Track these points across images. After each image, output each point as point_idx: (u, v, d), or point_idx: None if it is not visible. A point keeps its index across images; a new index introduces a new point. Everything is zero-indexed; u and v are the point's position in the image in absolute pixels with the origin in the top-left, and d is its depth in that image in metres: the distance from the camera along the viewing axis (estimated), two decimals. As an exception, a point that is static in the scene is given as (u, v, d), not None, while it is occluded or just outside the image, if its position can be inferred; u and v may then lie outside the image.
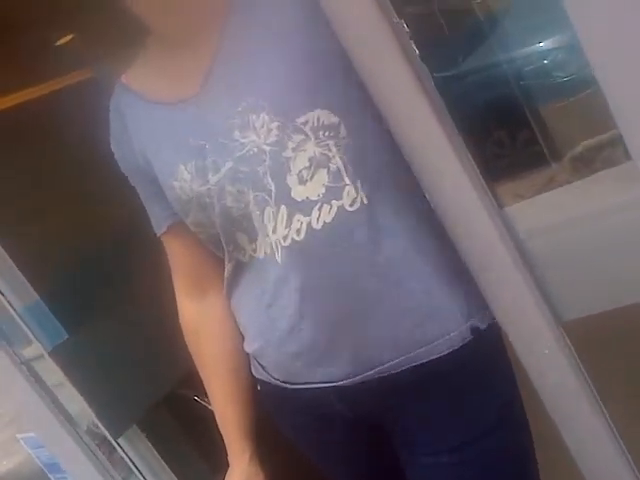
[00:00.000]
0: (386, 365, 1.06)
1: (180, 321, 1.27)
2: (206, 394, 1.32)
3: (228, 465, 1.29)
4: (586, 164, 1.23)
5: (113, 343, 1.84)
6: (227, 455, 1.29)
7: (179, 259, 1.22)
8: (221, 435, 1.30)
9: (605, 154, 1.15)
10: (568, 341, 1.00)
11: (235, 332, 1.21)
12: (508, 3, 3.84)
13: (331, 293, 1.02)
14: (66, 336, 1.75)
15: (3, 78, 2.00)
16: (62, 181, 1.97)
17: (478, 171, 0.93)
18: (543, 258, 0.96)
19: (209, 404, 1.94)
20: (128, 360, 1.86)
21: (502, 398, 1.11)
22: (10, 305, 1.66)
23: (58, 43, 2.64)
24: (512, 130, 4.12)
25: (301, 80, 0.97)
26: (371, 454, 1.23)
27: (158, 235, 1.20)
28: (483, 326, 1.06)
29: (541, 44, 3.74)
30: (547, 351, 0.99)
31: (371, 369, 1.06)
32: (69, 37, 2.64)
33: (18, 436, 2.01)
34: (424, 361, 1.05)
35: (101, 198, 1.66)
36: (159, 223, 1.18)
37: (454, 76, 4.09)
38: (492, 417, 1.10)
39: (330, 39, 0.93)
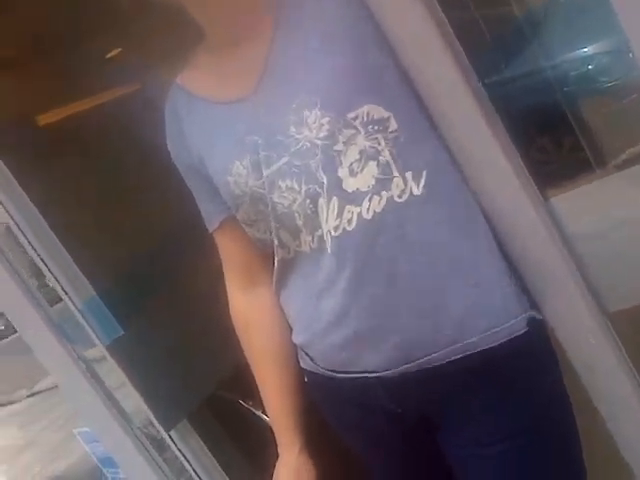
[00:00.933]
0: (432, 356, 1.07)
1: (231, 313, 1.31)
2: (251, 397, 1.34)
3: (272, 468, 1.30)
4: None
5: (167, 337, 1.88)
6: (273, 456, 1.31)
7: (230, 254, 1.26)
8: (265, 437, 1.32)
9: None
10: (614, 332, 1.03)
11: (284, 324, 1.24)
12: (551, 8, 3.83)
13: (380, 281, 1.04)
14: (122, 332, 1.80)
15: (56, 92, 2.08)
16: (116, 183, 2.04)
17: (524, 167, 0.97)
18: (589, 251, 0.99)
19: (252, 407, 1.98)
20: (181, 354, 1.90)
21: (549, 391, 1.12)
22: (72, 302, 1.71)
23: (108, 56, 2.73)
24: (556, 136, 4.10)
25: (351, 77, 1.00)
26: (416, 447, 1.24)
27: (210, 231, 1.24)
28: (539, 316, 1.07)
29: (585, 49, 3.72)
30: (593, 341, 1.01)
31: (415, 360, 1.08)
32: (118, 50, 2.72)
33: (74, 431, 2.08)
34: (472, 352, 1.06)
35: (154, 198, 1.72)
36: (211, 219, 1.23)
37: (497, 82, 4.09)
38: (539, 410, 1.11)
39: (379, 37, 0.97)
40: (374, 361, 1.10)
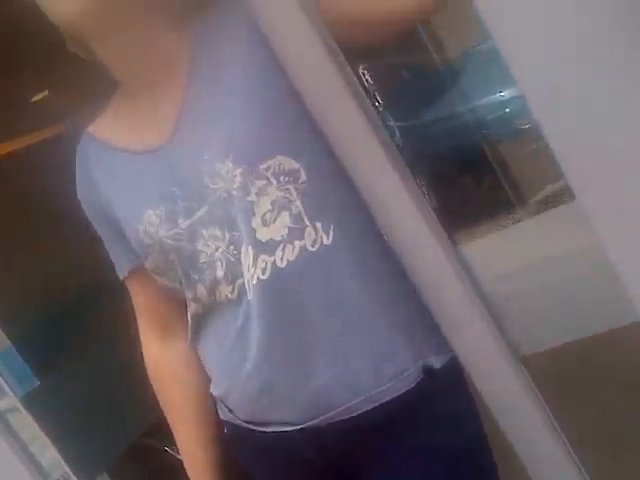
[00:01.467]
0: (344, 407, 1.08)
1: (146, 365, 1.30)
2: (175, 443, 1.32)
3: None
4: (550, 208, 1.29)
5: (83, 390, 1.84)
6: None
7: (142, 302, 1.26)
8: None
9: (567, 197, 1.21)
10: (528, 376, 1.05)
11: (201, 375, 1.23)
12: (469, 55, 3.98)
13: (293, 329, 1.05)
14: (37, 383, 1.76)
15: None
16: (32, 231, 2.00)
17: (433, 213, 0.99)
18: (501, 296, 1.01)
19: (179, 454, 1.94)
20: (98, 407, 1.86)
21: (465, 434, 1.14)
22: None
23: (34, 99, 2.69)
24: (477, 176, 4.23)
25: (262, 129, 1.03)
26: None
27: (121, 278, 1.24)
28: (437, 365, 1.09)
29: (502, 93, 3.87)
30: (507, 386, 1.03)
31: (330, 411, 1.09)
32: (44, 93, 2.69)
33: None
34: (382, 402, 1.07)
35: (70, 247, 1.69)
36: (122, 267, 1.22)
37: (419, 125, 4.21)
38: (456, 453, 1.12)
39: (292, 89, 0.98)
40: (292, 412, 1.10)
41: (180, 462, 1.73)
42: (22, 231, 1.98)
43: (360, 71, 3.36)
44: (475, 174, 4.19)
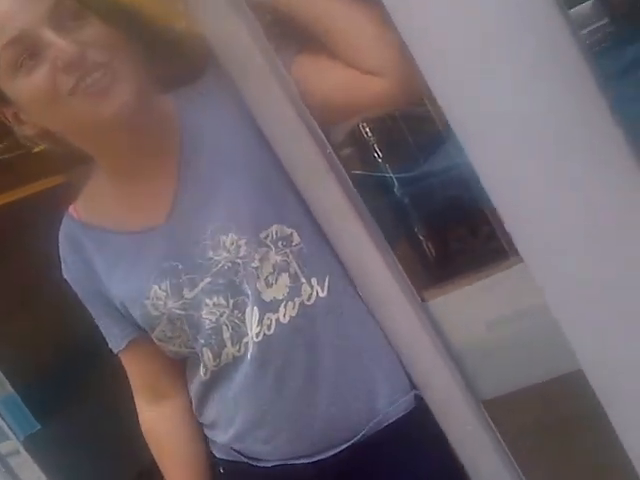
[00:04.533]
0: (344, 445, 1.17)
1: (141, 427, 1.37)
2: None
3: None
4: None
5: (82, 434, 1.91)
6: None
7: (136, 371, 1.33)
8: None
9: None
10: (489, 419, 1.13)
11: (196, 435, 1.32)
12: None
13: (298, 377, 1.15)
14: (38, 427, 1.82)
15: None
16: (31, 285, 2.06)
17: (401, 268, 1.09)
18: (463, 346, 1.10)
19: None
20: (98, 449, 1.92)
21: (452, 459, 1.19)
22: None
23: (35, 150, 2.77)
24: (472, 226, 4.33)
25: (258, 200, 1.12)
26: None
27: (115, 352, 1.29)
28: None
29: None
30: (469, 427, 1.11)
31: (331, 449, 1.18)
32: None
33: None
34: (376, 431, 1.17)
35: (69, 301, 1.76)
36: (117, 342, 1.27)
37: (417, 177, 4.32)
38: (445, 476, 1.20)
39: (274, 160, 1.09)
40: (300, 448, 1.20)
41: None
42: (21, 286, 2.04)
43: (360, 124, 3.49)
44: (471, 224, 4.28)
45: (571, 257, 0.90)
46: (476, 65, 0.84)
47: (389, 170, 3.77)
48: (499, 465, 1.11)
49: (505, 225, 0.92)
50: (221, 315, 1.15)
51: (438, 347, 1.09)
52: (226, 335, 1.15)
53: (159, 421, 1.35)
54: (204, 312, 1.15)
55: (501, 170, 0.90)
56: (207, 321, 1.15)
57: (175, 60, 1.19)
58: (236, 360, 1.17)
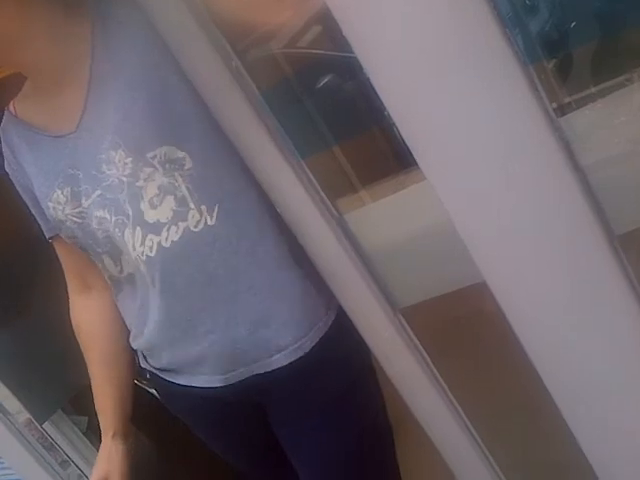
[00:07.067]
0: (259, 363, 1.22)
1: (72, 323, 1.43)
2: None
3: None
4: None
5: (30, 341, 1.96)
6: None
7: (66, 261, 1.38)
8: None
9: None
10: (407, 326, 1.18)
11: (117, 324, 1.36)
12: None
13: (183, 300, 1.18)
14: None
15: None
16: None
17: (317, 185, 1.10)
18: (378, 255, 1.13)
19: (147, 386, 2.05)
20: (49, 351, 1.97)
21: (355, 369, 1.28)
22: None
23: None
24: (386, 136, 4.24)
25: (150, 120, 1.11)
26: (251, 433, 1.40)
27: (47, 239, 1.35)
28: (330, 319, 1.23)
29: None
30: (387, 335, 1.16)
31: (244, 368, 1.23)
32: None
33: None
34: (299, 355, 1.21)
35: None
36: (46, 233, 1.34)
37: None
38: (345, 385, 1.27)
39: (182, 83, 1.08)
40: (204, 378, 1.27)
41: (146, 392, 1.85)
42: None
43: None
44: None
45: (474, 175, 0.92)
46: None
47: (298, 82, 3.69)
48: (414, 366, 1.17)
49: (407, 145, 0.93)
50: (106, 230, 1.17)
51: (354, 260, 1.11)
52: (119, 245, 1.18)
53: (85, 312, 1.40)
54: (94, 223, 1.18)
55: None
56: (99, 232, 1.18)
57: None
58: (128, 275, 1.22)
